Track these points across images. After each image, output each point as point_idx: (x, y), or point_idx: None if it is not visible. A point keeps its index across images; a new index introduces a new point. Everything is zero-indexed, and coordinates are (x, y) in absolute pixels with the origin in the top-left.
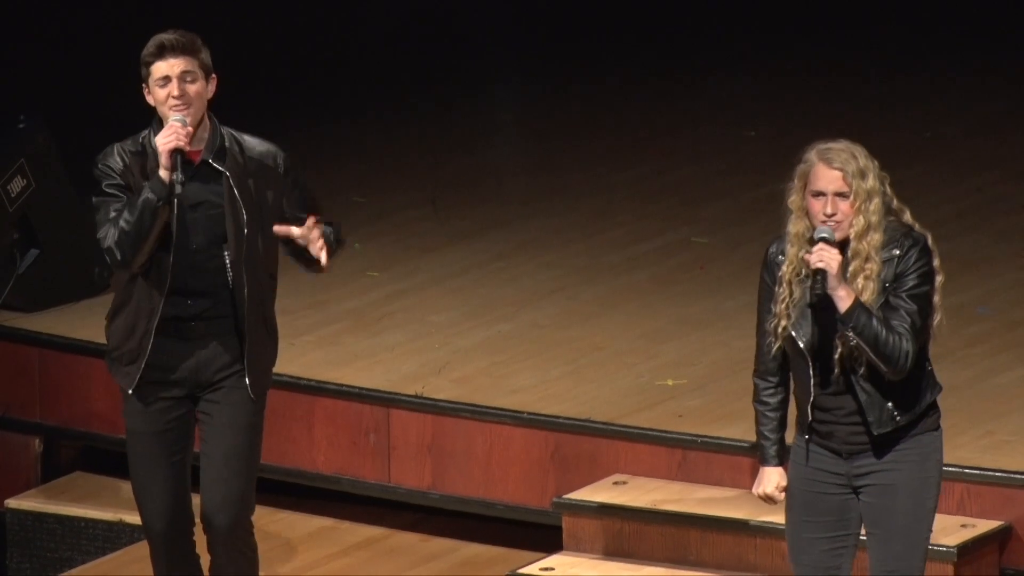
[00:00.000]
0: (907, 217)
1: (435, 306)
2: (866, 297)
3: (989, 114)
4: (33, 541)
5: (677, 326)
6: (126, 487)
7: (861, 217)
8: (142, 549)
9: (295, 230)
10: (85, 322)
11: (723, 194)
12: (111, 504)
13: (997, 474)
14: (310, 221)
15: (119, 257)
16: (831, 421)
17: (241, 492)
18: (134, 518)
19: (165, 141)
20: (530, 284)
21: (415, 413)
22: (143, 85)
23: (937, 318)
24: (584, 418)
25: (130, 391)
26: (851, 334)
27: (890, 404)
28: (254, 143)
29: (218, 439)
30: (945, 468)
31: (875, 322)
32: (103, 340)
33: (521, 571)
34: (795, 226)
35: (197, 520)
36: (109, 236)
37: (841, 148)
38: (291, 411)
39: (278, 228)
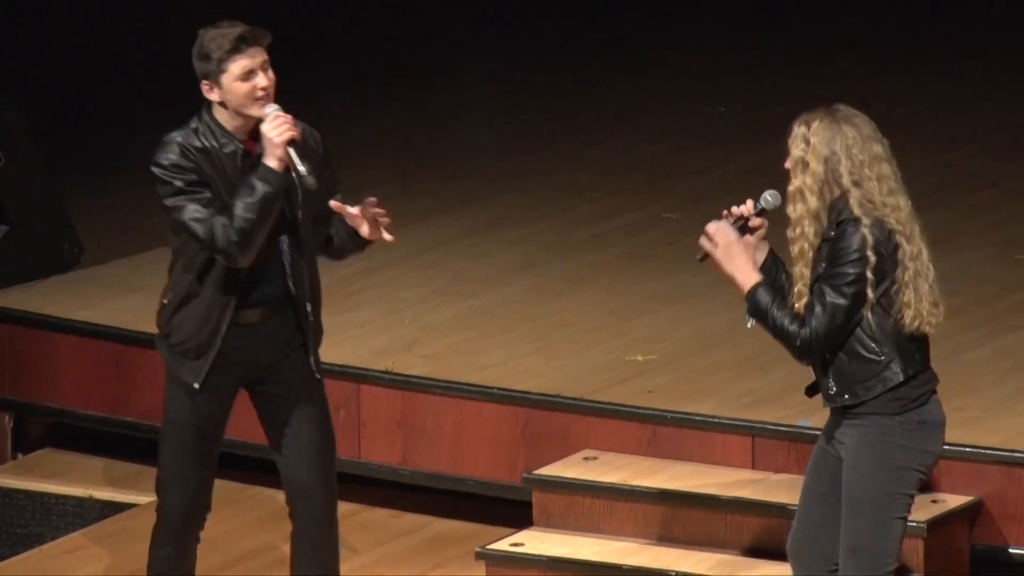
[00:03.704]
0: (853, 201)
1: (405, 282)
2: (796, 269)
3: (960, 89)
4: (3, 517)
5: (647, 302)
6: (95, 463)
7: (792, 183)
8: (112, 525)
9: (351, 209)
10: (55, 298)
11: (692, 170)
12: (80, 480)
13: (967, 449)
14: (371, 200)
15: (238, 255)
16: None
17: (334, 468)
18: (104, 494)
19: (278, 133)
20: (500, 260)
21: (385, 389)
22: (204, 82)
23: (871, 305)
24: (554, 394)
25: (196, 385)
26: (749, 317)
27: (830, 381)
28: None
29: (300, 421)
30: None
31: (772, 308)
32: (73, 316)
33: (491, 547)
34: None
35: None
36: (222, 236)
37: (808, 115)
38: None
39: (336, 205)
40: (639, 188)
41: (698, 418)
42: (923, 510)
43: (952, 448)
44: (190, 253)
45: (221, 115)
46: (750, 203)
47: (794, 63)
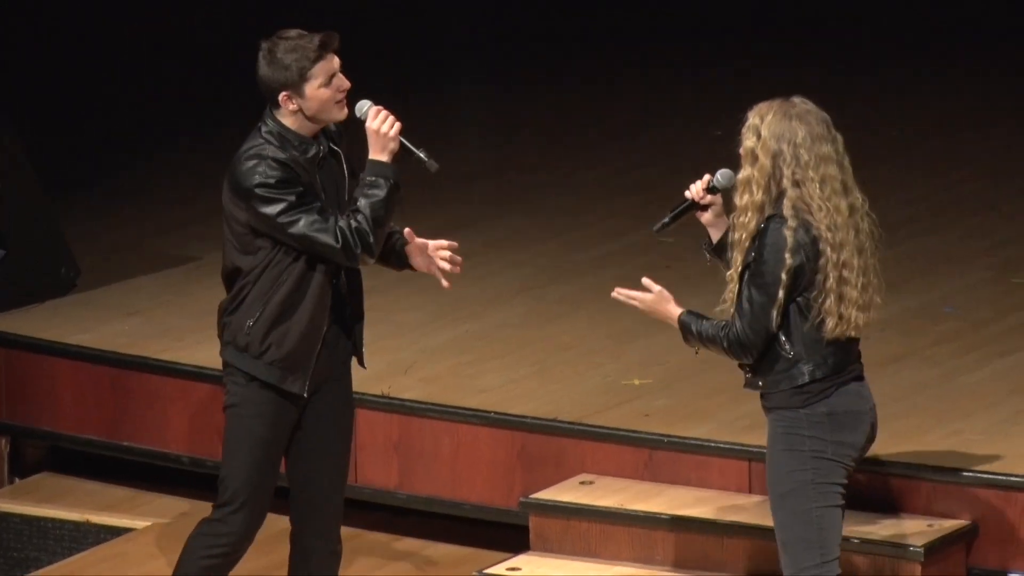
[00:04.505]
0: (787, 201)
1: (402, 305)
2: (734, 255)
3: (958, 112)
4: (0, 541)
5: (644, 326)
6: (92, 487)
7: (742, 171)
8: (108, 549)
9: (419, 240)
10: (51, 322)
11: None
12: (78, 504)
13: (965, 474)
14: (449, 244)
15: (374, 254)
16: None
17: (342, 499)
18: (100, 518)
19: (389, 125)
20: (497, 284)
21: (382, 413)
22: (283, 93)
23: (780, 302)
24: (551, 418)
25: (305, 394)
26: (689, 344)
27: (748, 366)
28: None
29: (324, 453)
30: (911, 465)
31: (696, 324)
32: (70, 340)
33: (488, 571)
34: None
35: None
36: (356, 238)
37: (763, 106)
38: None
39: (408, 232)
40: (636, 211)
41: (695, 442)
42: (919, 534)
43: (948, 472)
44: (279, 269)
45: (293, 123)
46: (705, 178)
47: (792, 86)
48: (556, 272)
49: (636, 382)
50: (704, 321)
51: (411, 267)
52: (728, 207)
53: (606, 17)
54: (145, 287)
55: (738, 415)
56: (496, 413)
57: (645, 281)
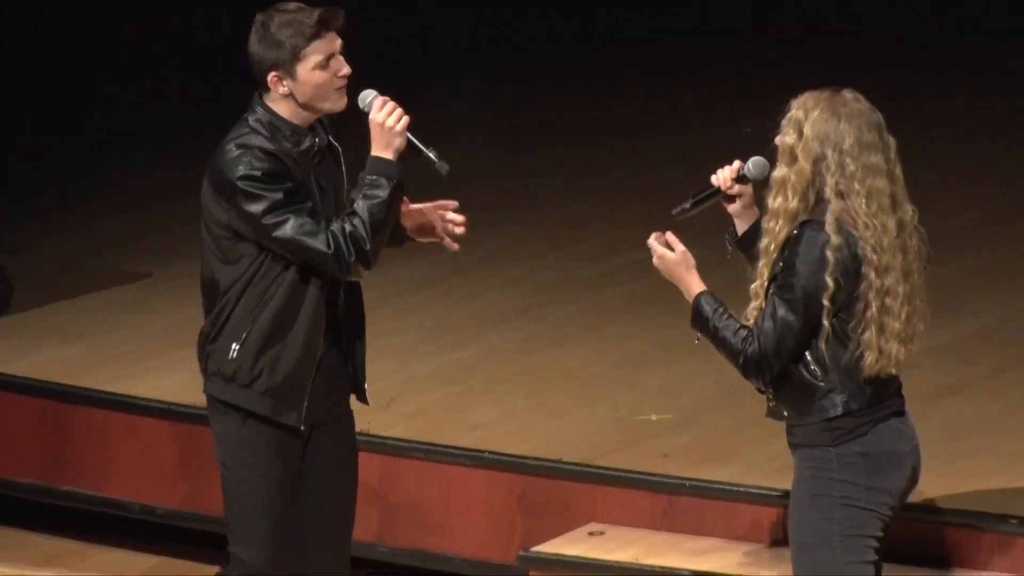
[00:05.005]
0: (830, 214)
1: (383, 328)
2: (760, 264)
3: (1015, 107)
4: None
5: (661, 351)
6: (29, 539)
7: (778, 169)
8: None
9: (416, 205)
10: None
11: None
12: (12, 559)
13: None
14: (449, 203)
15: (370, 264)
16: None
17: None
18: (41, 574)
19: (396, 119)
20: (492, 303)
21: (360, 452)
22: (272, 73)
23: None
24: (554, 458)
25: (301, 427)
26: (693, 329)
27: (771, 392)
28: None
29: (336, 478)
30: (971, 513)
31: (715, 318)
32: (1, 368)
33: None
34: None
35: None
36: (350, 245)
37: (809, 97)
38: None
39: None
40: (652, 220)
41: (721, 486)
42: None
43: (1014, 521)
44: (266, 282)
45: (284, 110)
46: (736, 164)
47: (828, 77)
48: (560, 290)
49: (653, 417)
50: (725, 317)
51: (410, 238)
52: (761, 202)
53: (607, 17)
54: (90, 307)
55: (770, 454)
56: (491, 453)
57: (670, 237)
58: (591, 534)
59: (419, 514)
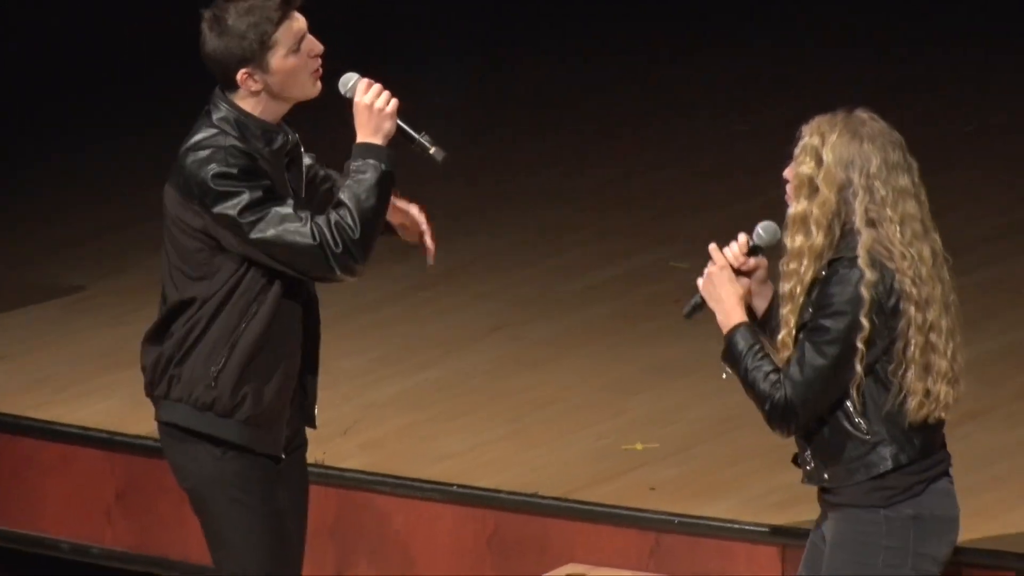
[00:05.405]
0: (862, 246)
1: (340, 350)
2: (784, 311)
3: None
4: None
5: (649, 375)
6: None
7: (793, 205)
8: None
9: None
10: None
11: (709, 204)
12: None
13: None
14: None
15: (362, 260)
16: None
17: None
18: None
19: (384, 100)
20: (462, 321)
21: (315, 486)
22: (243, 71)
23: (895, 369)
24: (530, 492)
25: (283, 455)
26: (725, 364)
27: (808, 454)
28: None
29: (295, 507)
30: (993, 552)
31: (748, 357)
32: None
33: None
34: None
35: None
36: (339, 239)
37: (823, 122)
38: (158, 485)
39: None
40: (640, 228)
41: (714, 523)
42: None
43: None
44: (248, 297)
45: (253, 107)
46: (743, 239)
47: (836, 68)
48: (538, 306)
49: (639, 447)
50: (759, 356)
51: (395, 234)
52: (774, 271)
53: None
54: (12, 326)
55: (768, 488)
56: (460, 486)
57: (714, 249)
58: None
59: (380, 554)
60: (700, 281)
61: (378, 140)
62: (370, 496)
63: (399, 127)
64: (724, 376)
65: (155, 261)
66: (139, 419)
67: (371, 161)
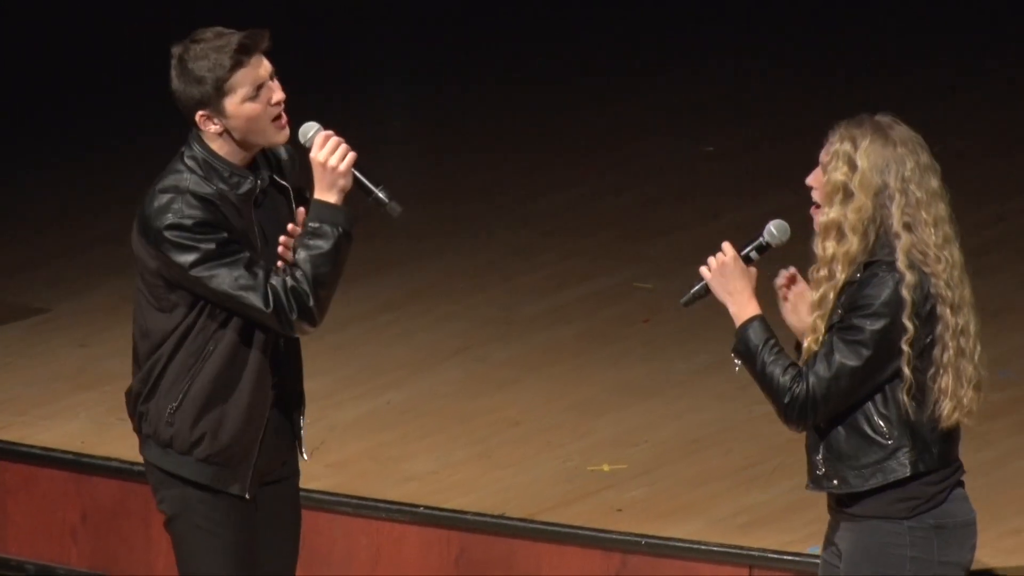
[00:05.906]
0: (900, 250)
1: (306, 369)
2: (812, 318)
3: (1013, 125)
4: None
5: (615, 395)
6: None
7: (824, 211)
8: None
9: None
10: None
11: (673, 225)
12: None
13: None
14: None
15: (316, 321)
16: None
17: None
18: None
19: (340, 156)
20: (427, 342)
21: None
22: (200, 113)
23: (906, 377)
24: (497, 514)
25: (247, 495)
26: (735, 357)
27: (819, 457)
28: None
29: (280, 543)
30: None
31: (765, 351)
32: None
33: None
34: None
35: None
36: (293, 301)
37: (852, 127)
38: (123, 506)
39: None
40: (605, 249)
41: (680, 544)
42: None
43: None
44: (204, 335)
45: (221, 148)
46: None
47: (802, 91)
48: (502, 327)
49: (605, 468)
50: (775, 350)
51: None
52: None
53: (561, 12)
54: None
55: (735, 509)
56: (427, 508)
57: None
58: None
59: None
60: (703, 270)
61: (333, 198)
62: (336, 517)
63: (356, 179)
64: (736, 369)
65: (121, 282)
66: (104, 440)
67: (326, 227)
